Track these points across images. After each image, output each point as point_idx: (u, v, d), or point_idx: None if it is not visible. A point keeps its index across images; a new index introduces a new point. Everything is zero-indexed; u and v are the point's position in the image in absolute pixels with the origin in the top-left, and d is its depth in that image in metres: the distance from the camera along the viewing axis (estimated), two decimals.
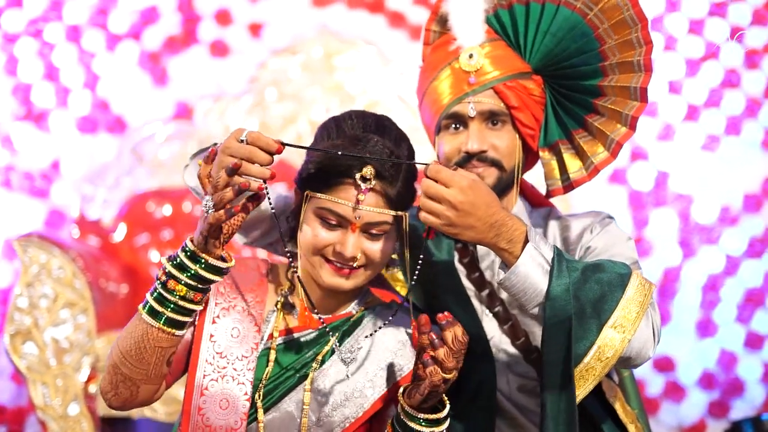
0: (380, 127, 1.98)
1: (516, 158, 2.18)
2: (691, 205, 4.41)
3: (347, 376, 1.99)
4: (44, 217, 4.40)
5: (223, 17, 4.50)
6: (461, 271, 2.24)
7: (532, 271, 1.85)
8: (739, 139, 4.40)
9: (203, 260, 1.77)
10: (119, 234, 4.28)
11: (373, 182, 1.88)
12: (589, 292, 1.86)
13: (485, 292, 2.22)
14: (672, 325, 4.38)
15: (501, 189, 2.15)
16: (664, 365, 4.37)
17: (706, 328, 4.37)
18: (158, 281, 1.80)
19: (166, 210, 4.29)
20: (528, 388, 2.19)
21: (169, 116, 4.48)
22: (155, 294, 1.80)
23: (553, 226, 2.22)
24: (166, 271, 1.78)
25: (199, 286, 1.79)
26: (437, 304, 2.21)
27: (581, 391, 1.89)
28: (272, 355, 1.98)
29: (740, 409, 4.34)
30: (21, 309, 3.55)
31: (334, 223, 1.91)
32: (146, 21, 4.48)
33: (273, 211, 1.90)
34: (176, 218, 4.26)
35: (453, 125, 2.17)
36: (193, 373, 1.94)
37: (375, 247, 1.93)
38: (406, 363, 2.03)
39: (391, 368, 2.01)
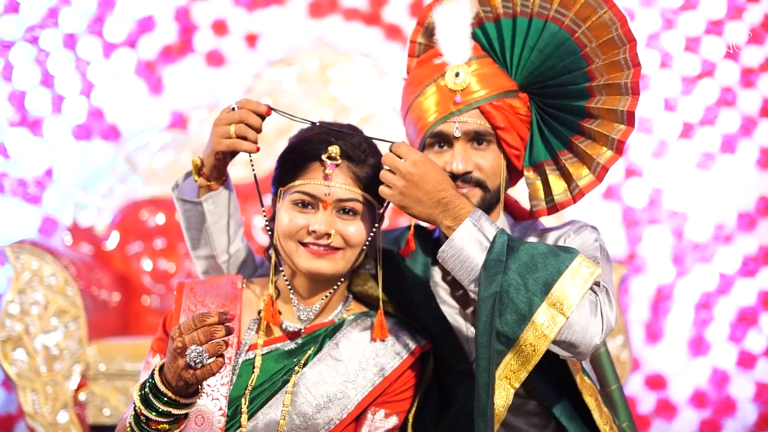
0: (352, 127, 2.10)
1: (500, 178, 2.16)
2: (685, 222, 4.41)
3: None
4: (37, 224, 4.40)
5: (220, 27, 4.51)
6: (444, 289, 2.23)
7: (468, 245, 1.91)
8: (733, 158, 4.40)
9: (178, 403, 1.74)
10: (112, 242, 4.28)
11: (339, 160, 1.98)
12: (527, 268, 1.88)
13: (469, 310, 2.21)
14: (664, 342, 4.37)
15: (485, 208, 2.14)
16: (656, 383, 4.36)
17: (698, 346, 4.36)
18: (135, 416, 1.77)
19: (159, 219, 4.30)
20: (514, 406, 2.17)
21: (163, 125, 4.49)
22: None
23: (532, 239, 2.21)
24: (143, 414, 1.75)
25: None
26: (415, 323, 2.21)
27: (525, 369, 1.90)
28: (258, 362, 2.02)
29: (732, 429, 4.33)
30: (12, 315, 3.55)
31: (306, 203, 1.99)
32: (143, 30, 4.49)
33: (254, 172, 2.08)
34: (169, 227, 4.26)
35: (437, 144, 2.16)
36: None
37: (349, 229, 2.00)
38: (388, 362, 2.06)
39: (373, 368, 2.05)
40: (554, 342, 1.88)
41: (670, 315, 4.38)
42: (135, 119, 4.47)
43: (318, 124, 2.06)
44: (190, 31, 4.52)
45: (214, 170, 2.15)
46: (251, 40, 4.52)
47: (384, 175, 1.94)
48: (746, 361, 4.34)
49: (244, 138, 1.98)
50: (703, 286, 4.37)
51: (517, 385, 1.91)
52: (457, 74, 2.13)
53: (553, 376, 2.11)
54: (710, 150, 4.41)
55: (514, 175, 2.23)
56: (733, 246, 4.38)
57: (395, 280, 2.26)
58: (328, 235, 1.97)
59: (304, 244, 1.99)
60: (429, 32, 2.25)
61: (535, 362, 1.88)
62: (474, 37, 2.19)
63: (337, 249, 2.00)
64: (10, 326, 3.54)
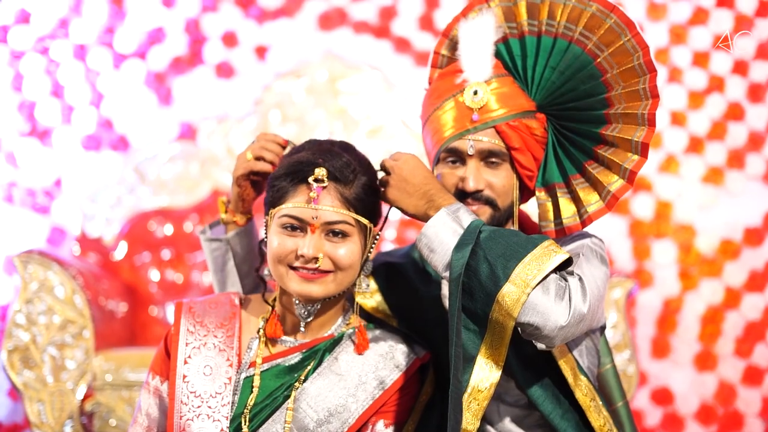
0: (344, 145, 2.12)
1: (512, 197, 2.18)
2: (692, 236, 4.40)
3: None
4: (46, 234, 4.40)
5: (229, 39, 4.52)
6: None
7: (442, 232, 1.98)
8: (741, 172, 4.40)
9: None
10: (120, 252, 4.29)
11: (326, 182, 1.98)
12: (494, 250, 1.93)
13: None
14: (671, 356, 4.36)
15: (496, 225, 2.15)
16: (663, 397, 4.35)
17: (705, 360, 4.35)
18: None
19: (168, 229, 4.30)
20: (519, 418, 2.18)
21: (172, 136, 4.48)
22: None
23: None
24: None
25: None
26: (425, 339, 2.22)
27: (504, 345, 1.95)
28: (257, 381, 2.03)
29: None
30: (19, 325, 3.54)
31: (295, 226, 1.99)
32: (153, 41, 4.50)
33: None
34: (177, 238, 4.27)
35: (451, 159, 2.18)
36: (171, 416, 1.99)
37: (339, 251, 2.00)
38: (387, 375, 2.08)
39: (373, 382, 2.07)
40: (520, 324, 1.92)
41: (677, 329, 4.37)
42: (144, 130, 4.47)
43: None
44: (199, 42, 4.53)
45: (239, 202, 2.28)
46: (261, 52, 4.53)
47: (382, 178, 2.11)
48: (753, 375, 4.33)
49: (261, 159, 2.20)
50: (711, 300, 4.37)
51: (502, 364, 1.97)
52: (475, 92, 2.14)
53: (539, 369, 2.11)
54: (718, 164, 4.41)
55: (525, 193, 2.24)
56: (740, 260, 4.37)
57: (402, 294, 2.27)
58: (316, 259, 1.97)
59: (294, 268, 2.00)
60: (453, 45, 2.26)
61: (508, 339, 1.94)
62: (497, 53, 2.19)
63: (326, 272, 2.00)
64: (17, 336, 3.53)
